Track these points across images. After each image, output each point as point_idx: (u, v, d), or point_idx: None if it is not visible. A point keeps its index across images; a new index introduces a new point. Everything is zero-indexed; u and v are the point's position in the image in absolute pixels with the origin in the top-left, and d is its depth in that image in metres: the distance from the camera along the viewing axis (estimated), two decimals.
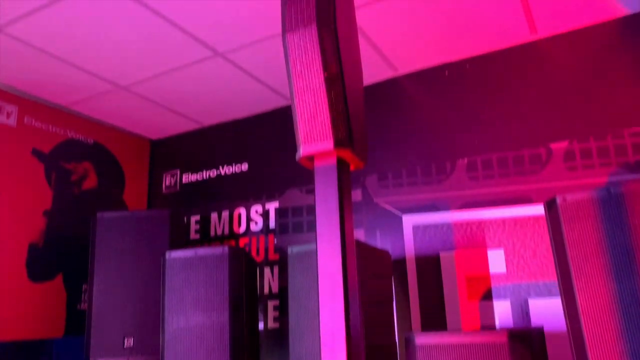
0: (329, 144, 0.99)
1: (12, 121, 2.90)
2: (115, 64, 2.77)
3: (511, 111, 2.63)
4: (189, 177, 3.57)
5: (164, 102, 3.24)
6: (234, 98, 3.23)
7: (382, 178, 2.87)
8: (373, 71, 2.93)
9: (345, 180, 1.06)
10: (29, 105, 3.02)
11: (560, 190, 2.45)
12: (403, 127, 2.89)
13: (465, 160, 2.67)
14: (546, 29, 2.58)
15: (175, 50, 2.66)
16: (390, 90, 2.99)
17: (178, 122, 3.54)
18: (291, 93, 1.05)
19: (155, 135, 3.77)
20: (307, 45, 1.02)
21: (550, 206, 1.90)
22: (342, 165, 1.04)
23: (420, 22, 2.49)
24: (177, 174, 3.62)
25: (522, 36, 2.63)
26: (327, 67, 1.02)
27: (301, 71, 1.03)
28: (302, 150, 1.02)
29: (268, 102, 3.29)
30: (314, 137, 1.01)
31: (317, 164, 1.04)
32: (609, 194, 1.77)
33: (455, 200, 2.66)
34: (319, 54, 1.01)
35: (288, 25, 1.04)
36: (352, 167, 1.10)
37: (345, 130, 1.00)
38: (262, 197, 3.24)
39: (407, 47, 2.71)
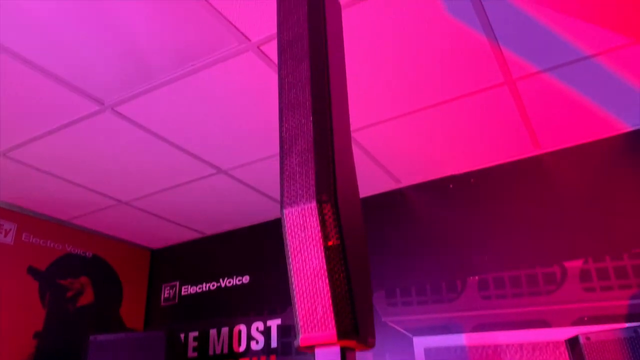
0: (331, 335, 0.90)
1: (9, 239, 2.84)
2: (117, 183, 2.75)
3: (520, 226, 2.54)
4: (188, 290, 3.44)
5: (165, 215, 3.19)
6: (236, 209, 3.18)
7: (390, 295, 2.73)
8: (375, 183, 2.90)
9: None
10: (28, 221, 2.97)
11: (579, 312, 2.30)
12: (409, 240, 2.80)
13: (477, 278, 2.55)
14: (549, 144, 2.56)
15: (179, 169, 2.65)
16: (394, 201, 2.93)
17: (180, 233, 3.48)
18: (289, 271, 0.97)
19: (155, 245, 3.69)
20: (306, 222, 0.96)
21: (573, 345, 1.76)
22: (345, 352, 0.94)
23: (422, 139, 2.48)
24: (176, 286, 3.49)
25: (526, 150, 2.61)
26: (328, 242, 0.95)
27: (300, 249, 0.96)
28: (301, 340, 0.92)
29: (270, 212, 3.24)
30: (314, 325, 0.92)
31: (318, 353, 0.94)
32: (637, 335, 1.64)
33: (468, 321, 2.50)
34: (320, 232, 0.95)
35: (286, 200, 0.98)
36: (357, 350, 0.99)
37: (349, 319, 0.91)
38: (264, 312, 3.09)
39: (410, 162, 2.69)
